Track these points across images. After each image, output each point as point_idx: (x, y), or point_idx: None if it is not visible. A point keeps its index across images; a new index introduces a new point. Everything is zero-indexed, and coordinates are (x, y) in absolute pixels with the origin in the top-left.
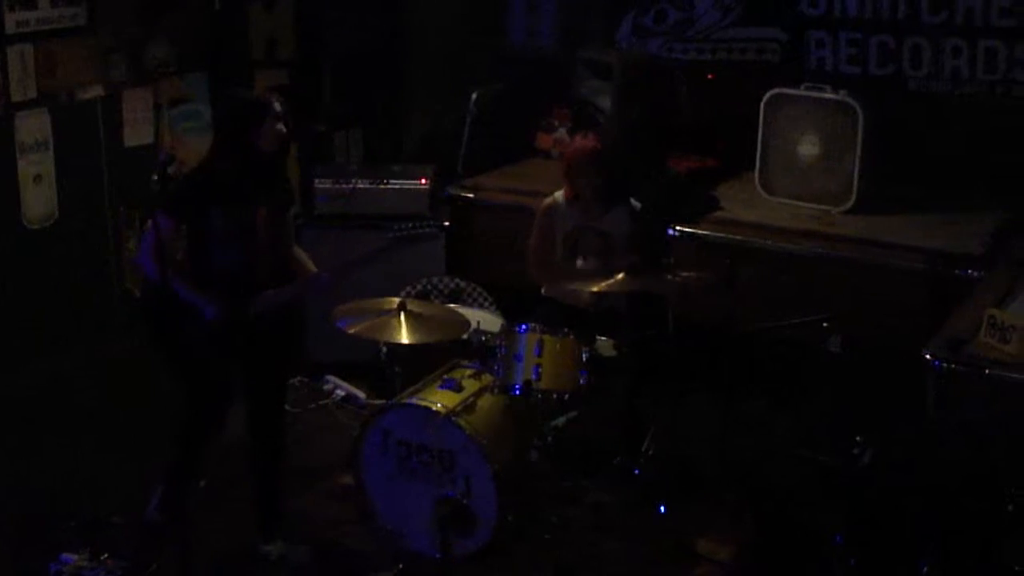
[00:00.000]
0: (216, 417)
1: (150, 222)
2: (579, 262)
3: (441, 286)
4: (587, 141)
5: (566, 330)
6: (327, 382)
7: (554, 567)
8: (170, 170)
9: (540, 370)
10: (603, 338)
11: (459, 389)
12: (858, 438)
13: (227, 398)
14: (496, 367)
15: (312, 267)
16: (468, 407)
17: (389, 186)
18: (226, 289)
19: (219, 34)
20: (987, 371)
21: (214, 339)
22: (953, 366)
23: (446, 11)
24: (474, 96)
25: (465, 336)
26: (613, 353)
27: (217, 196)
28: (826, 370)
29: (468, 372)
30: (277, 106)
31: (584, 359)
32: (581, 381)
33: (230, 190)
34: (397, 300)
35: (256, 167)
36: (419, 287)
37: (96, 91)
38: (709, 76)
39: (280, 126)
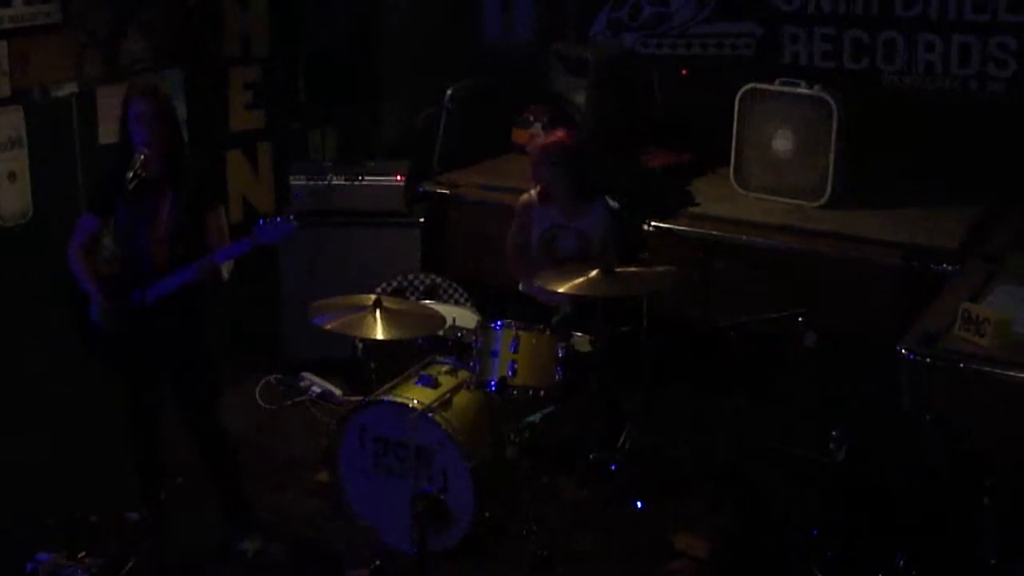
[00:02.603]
0: (142, 407)
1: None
2: (555, 260)
3: (417, 282)
4: (550, 136)
5: (542, 326)
6: (303, 379)
7: (531, 563)
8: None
9: (516, 366)
10: (579, 334)
11: (435, 385)
12: (833, 432)
13: (147, 389)
14: (472, 363)
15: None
16: (444, 403)
17: (364, 182)
18: (130, 278)
19: (194, 31)
20: (962, 365)
21: (116, 332)
22: (928, 360)
23: (421, 7)
24: (449, 92)
25: (441, 332)
26: (589, 349)
27: (121, 190)
28: (801, 365)
29: (444, 368)
30: (141, 103)
31: (560, 355)
32: (557, 377)
33: (130, 183)
34: (373, 296)
35: (158, 159)
36: (395, 283)
37: (70, 88)
38: (684, 71)
39: (141, 126)
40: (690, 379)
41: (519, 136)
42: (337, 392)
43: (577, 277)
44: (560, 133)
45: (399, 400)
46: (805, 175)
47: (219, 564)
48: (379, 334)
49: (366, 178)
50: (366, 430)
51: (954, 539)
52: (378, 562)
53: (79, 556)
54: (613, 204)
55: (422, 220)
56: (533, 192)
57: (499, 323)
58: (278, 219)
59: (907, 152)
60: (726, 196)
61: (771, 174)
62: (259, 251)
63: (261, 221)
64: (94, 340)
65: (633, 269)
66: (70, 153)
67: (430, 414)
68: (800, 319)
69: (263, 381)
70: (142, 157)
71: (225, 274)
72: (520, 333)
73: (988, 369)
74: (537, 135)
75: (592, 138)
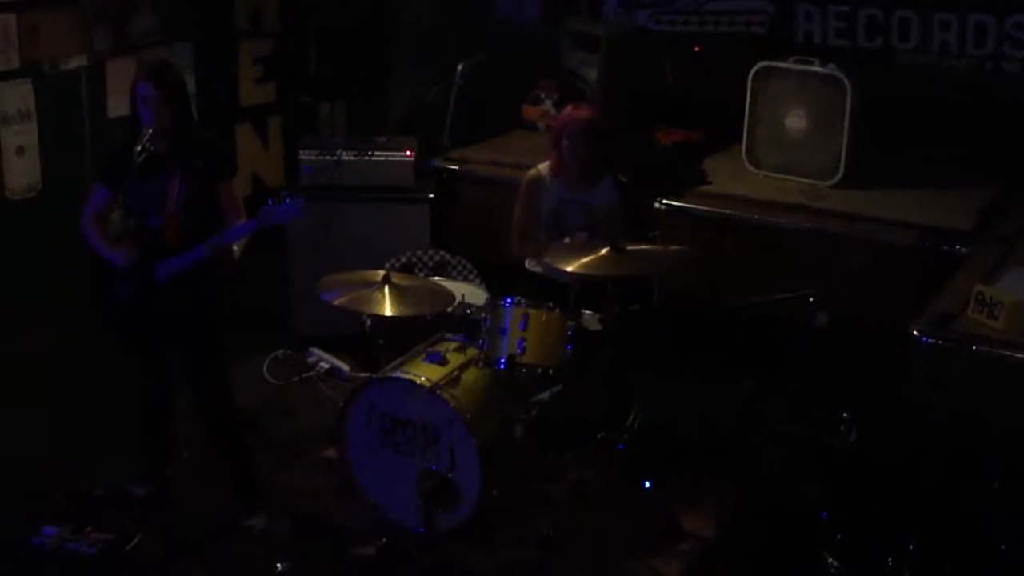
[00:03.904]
0: (151, 383)
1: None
2: (565, 239)
3: (426, 259)
4: (582, 110)
5: (551, 304)
6: (311, 354)
7: (537, 542)
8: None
9: (525, 344)
10: (588, 312)
11: (444, 363)
12: (844, 414)
13: (160, 365)
14: (481, 341)
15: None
16: (452, 381)
17: (374, 158)
18: (148, 253)
19: (204, 4)
20: (975, 347)
21: (131, 304)
22: (941, 342)
23: None
24: (460, 67)
25: (450, 309)
26: (598, 327)
27: (130, 164)
28: (812, 346)
29: (453, 345)
30: (147, 87)
31: (569, 333)
32: (566, 356)
33: (141, 158)
34: (382, 272)
35: (166, 139)
36: (404, 259)
37: (80, 61)
38: (696, 48)
39: (146, 108)
40: (699, 359)
41: (529, 113)
42: (345, 368)
43: (586, 255)
44: (588, 108)
45: (407, 377)
46: (818, 154)
47: (225, 540)
48: (387, 310)
49: (376, 153)
50: (374, 407)
51: (965, 524)
52: (384, 539)
53: (85, 530)
54: (621, 178)
55: (431, 196)
56: (542, 167)
57: (508, 300)
58: (286, 200)
59: (921, 132)
60: (738, 175)
61: (784, 153)
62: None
63: (270, 201)
64: (111, 313)
65: (643, 248)
66: (79, 127)
67: (438, 391)
68: (811, 300)
69: (270, 356)
70: (150, 131)
71: (236, 252)
72: (529, 311)
73: (1001, 352)
74: (548, 112)
75: (604, 115)
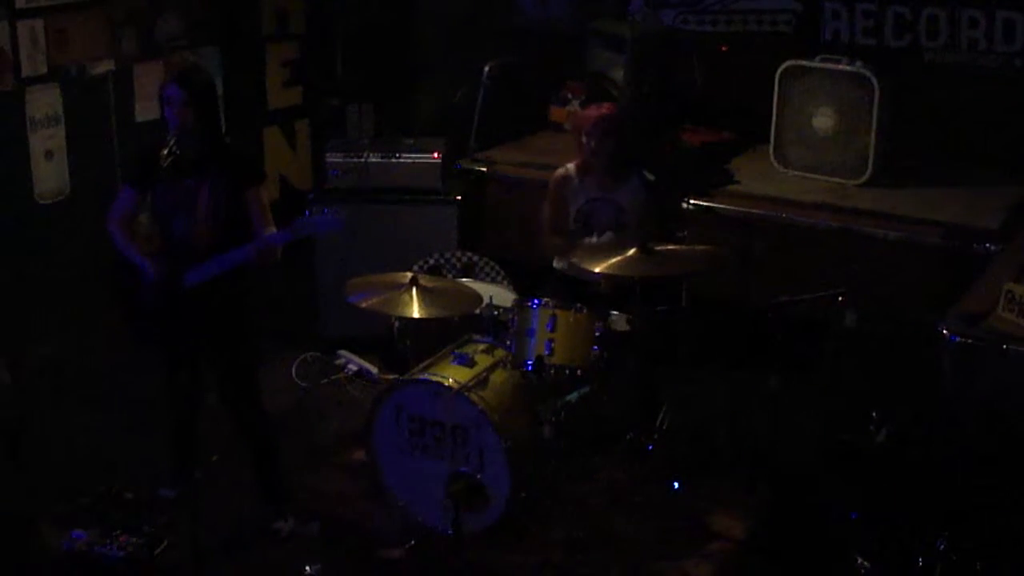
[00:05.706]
0: (180, 385)
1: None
2: (592, 237)
3: (453, 260)
4: (600, 108)
5: (579, 305)
6: (339, 357)
7: (566, 543)
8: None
9: (553, 345)
10: (616, 313)
11: (471, 364)
12: (873, 414)
13: (190, 366)
14: (509, 342)
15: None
16: (481, 382)
17: (401, 160)
18: (175, 258)
19: (230, 8)
20: (1004, 346)
21: (159, 309)
22: (970, 341)
23: None
24: (487, 69)
25: (477, 311)
26: (627, 328)
27: (160, 169)
28: (841, 345)
29: (480, 347)
30: (172, 88)
31: (597, 334)
32: (594, 356)
33: (170, 163)
34: (409, 274)
35: (191, 142)
36: (431, 261)
37: (107, 66)
38: (723, 48)
39: (172, 111)
40: (728, 359)
41: (556, 113)
42: (373, 370)
43: (615, 256)
44: (608, 105)
45: (435, 379)
46: (846, 153)
47: (254, 543)
48: (415, 312)
49: (403, 155)
50: (402, 409)
51: (994, 523)
52: (413, 541)
53: (114, 534)
54: (649, 177)
55: (459, 197)
56: (570, 166)
57: (536, 301)
58: (325, 210)
59: (949, 130)
60: (766, 174)
61: (811, 152)
62: None
63: (307, 212)
64: (137, 315)
65: (672, 248)
66: (107, 131)
67: (466, 393)
68: (840, 299)
69: (299, 359)
70: (177, 134)
71: (277, 252)
72: (557, 312)
73: None
74: (575, 112)
75: (631, 115)
